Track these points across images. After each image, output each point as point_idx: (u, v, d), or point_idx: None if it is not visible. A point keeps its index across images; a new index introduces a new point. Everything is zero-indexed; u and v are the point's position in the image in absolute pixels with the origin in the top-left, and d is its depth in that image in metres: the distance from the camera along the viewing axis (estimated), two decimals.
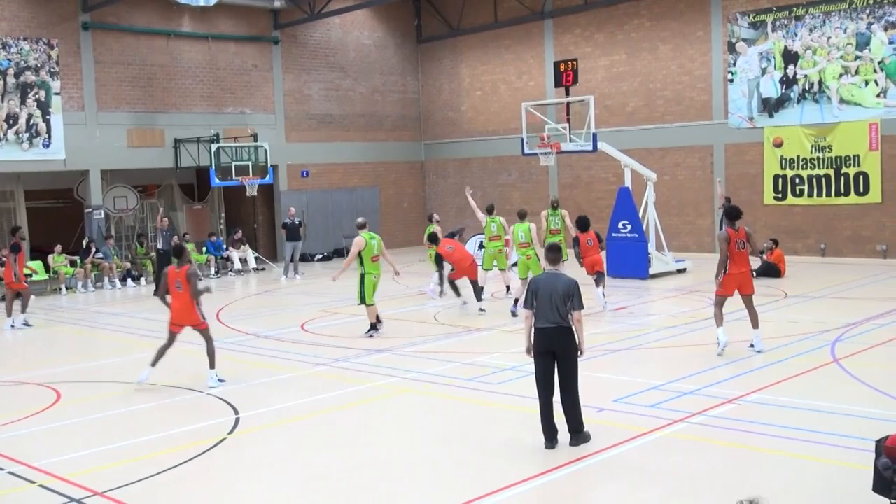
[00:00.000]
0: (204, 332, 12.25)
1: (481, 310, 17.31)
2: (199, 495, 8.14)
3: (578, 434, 8.87)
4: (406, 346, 14.38)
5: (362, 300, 15.32)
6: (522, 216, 18.22)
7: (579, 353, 8.92)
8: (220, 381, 12.15)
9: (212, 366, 12.20)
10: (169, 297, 12.24)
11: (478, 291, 17.50)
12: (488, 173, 31.65)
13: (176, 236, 23.88)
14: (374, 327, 15.44)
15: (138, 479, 8.35)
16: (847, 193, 23.78)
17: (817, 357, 12.40)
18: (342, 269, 15.65)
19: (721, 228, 19.18)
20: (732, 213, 13.05)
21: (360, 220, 16.09)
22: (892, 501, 6.29)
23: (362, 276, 15.23)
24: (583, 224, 17.59)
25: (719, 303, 12.97)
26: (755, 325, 13.00)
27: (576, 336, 8.84)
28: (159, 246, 23.07)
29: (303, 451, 9.27)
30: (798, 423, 9.18)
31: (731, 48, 25.60)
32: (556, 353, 8.80)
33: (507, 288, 19.22)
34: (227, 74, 28.54)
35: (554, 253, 9.30)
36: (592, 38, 28.53)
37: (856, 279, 20.13)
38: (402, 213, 33.07)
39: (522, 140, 22.48)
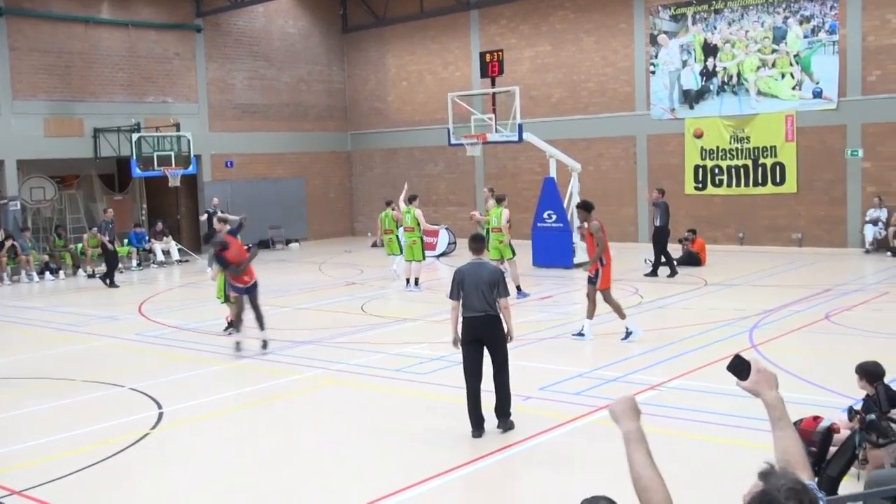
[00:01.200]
0: None
1: (263, 344, 13.61)
2: (121, 491, 8.01)
3: (506, 419, 9.02)
4: (333, 337, 14.33)
5: (226, 298, 14.73)
6: (500, 200, 18.57)
7: (509, 338, 9.08)
8: None
9: None
10: None
11: (261, 318, 13.58)
12: (414, 164, 31.64)
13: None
14: (232, 325, 14.72)
15: (59, 476, 8.18)
16: (764, 183, 24.40)
17: (736, 343, 12.70)
18: (214, 269, 14.85)
19: (660, 219, 19.64)
20: (589, 206, 13.47)
21: (224, 215, 15.75)
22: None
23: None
24: (498, 200, 18.87)
25: (610, 295, 13.19)
26: (623, 315, 13.20)
27: (504, 323, 8.97)
28: (105, 238, 22.51)
29: (228, 445, 9.18)
30: (717, 408, 9.42)
31: (653, 40, 26.02)
32: (484, 341, 8.92)
33: (416, 280, 19.17)
34: (147, 63, 27.97)
35: (477, 243, 9.45)
36: (518, 29, 28.71)
37: (773, 267, 20.69)
38: (329, 203, 32.89)
39: (449, 130, 22.55)
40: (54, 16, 25.89)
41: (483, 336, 8.91)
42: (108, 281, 21.88)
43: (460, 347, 9.08)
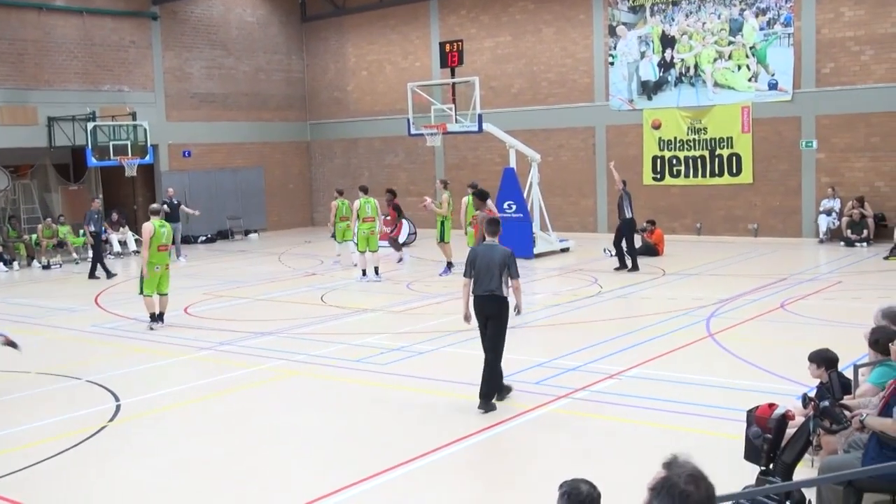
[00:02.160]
0: None
1: None
2: (78, 485, 7.92)
3: (488, 400, 9.30)
4: (293, 328, 14.27)
5: (141, 290, 14.57)
6: (474, 188, 18.65)
7: (517, 311, 9.70)
8: None
9: None
10: None
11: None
12: (375, 154, 31.56)
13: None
14: (153, 318, 14.72)
15: (15, 470, 8.07)
16: (721, 174, 24.67)
17: (693, 332, 12.87)
18: (145, 262, 14.45)
19: (626, 212, 19.37)
20: (485, 195, 14.17)
21: (154, 205, 15.58)
22: (762, 468, 6.61)
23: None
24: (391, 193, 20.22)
25: None
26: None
27: (508, 304, 9.56)
28: (91, 228, 22.13)
29: (187, 437, 9.11)
30: (675, 396, 9.52)
31: (612, 32, 26.15)
32: (488, 318, 9.50)
33: (376, 270, 19.11)
34: (103, 50, 27.55)
35: (493, 226, 9.96)
36: (478, 19, 28.70)
37: (729, 257, 20.94)
38: (288, 194, 32.69)
39: (409, 121, 22.51)
40: (6, 2, 25.38)
41: (488, 314, 9.49)
42: (106, 273, 21.58)
43: (472, 323, 9.68)
